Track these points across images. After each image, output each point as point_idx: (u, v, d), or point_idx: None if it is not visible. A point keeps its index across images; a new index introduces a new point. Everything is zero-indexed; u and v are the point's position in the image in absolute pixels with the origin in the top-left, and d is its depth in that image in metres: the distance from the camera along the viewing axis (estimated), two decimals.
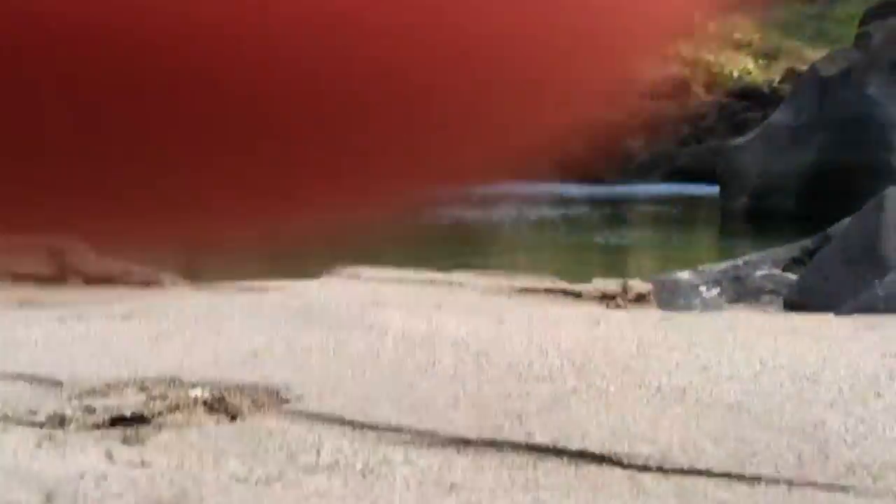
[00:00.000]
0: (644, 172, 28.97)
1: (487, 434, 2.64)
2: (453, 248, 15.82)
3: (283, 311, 4.29)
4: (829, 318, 4.88)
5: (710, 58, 37.97)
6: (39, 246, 5.34)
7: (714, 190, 21.47)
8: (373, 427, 2.70)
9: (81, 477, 2.23)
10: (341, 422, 2.74)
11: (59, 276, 5.37)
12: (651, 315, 4.85)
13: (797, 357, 3.51)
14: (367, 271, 5.47)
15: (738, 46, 41.32)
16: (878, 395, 3.02)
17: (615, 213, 21.64)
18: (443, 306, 4.58)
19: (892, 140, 17.01)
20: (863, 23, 24.03)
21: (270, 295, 4.68)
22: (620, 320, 4.40)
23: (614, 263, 14.38)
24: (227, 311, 4.29)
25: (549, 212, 21.24)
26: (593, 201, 23.45)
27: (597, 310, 5.12)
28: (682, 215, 21.90)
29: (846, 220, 6.58)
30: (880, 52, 17.89)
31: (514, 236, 17.80)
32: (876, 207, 5.88)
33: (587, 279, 11.31)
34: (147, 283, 5.49)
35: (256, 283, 5.11)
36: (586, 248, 15.98)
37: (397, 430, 2.68)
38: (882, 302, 5.01)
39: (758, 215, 17.73)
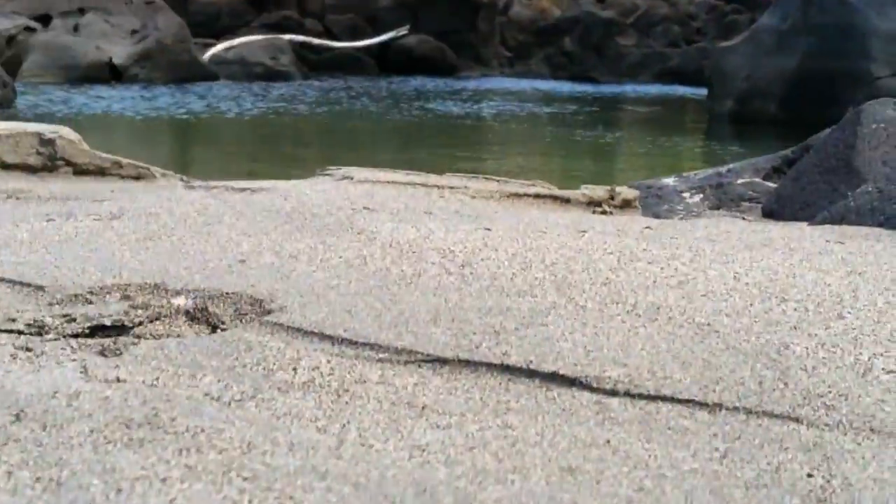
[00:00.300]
0: (634, 72, 28.84)
1: (464, 352, 2.53)
2: (444, 143, 15.69)
3: (273, 213, 4.15)
4: (803, 227, 4.85)
5: None
6: (30, 134, 5.19)
7: (702, 92, 21.46)
8: (352, 343, 2.59)
9: (54, 395, 2.11)
10: (321, 336, 2.62)
11: (49, 166, 5.23)
12: (635, 223, 4.74)
13: (769, 272, 3.42)
14: (360, 172, 5.33)
15: None
16: (840, 316, 2.93)
17: (605, 112, 21.49)
18: (433, 212, 4.46)
19: (871, 48, 17.01)
20: None
21: (262, 196, 4.53)
22: (605, 229, 4.29)
23: (600, 164, 14.27)
24: (217, 212, 4.15)
25: (539, 109, 21.06)
26: (584, 100, 23.30)
27: (584, 216, 5.01)
28: (671, 117, 21.83)
29: (825, 132, 6.49)
30: None
31: (503, 133, 17.65)
32: (852, 121, 5.81)
33: (573, 179, 11.24)
34: (138, 176, 5.35)
35: (249, 183, 4.97)
36: (574, 147, 15.86)
37: (376, 346, 2.56)
38: (854, 213, 5.00)
39: (742, 118, 17.74)
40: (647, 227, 4.46)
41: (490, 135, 17.50)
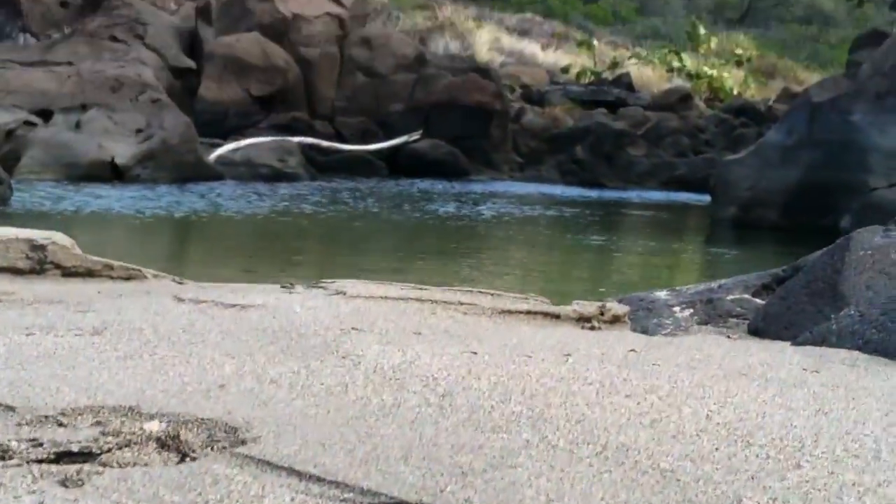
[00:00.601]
0: (642, 180, 28.98)
1: (428, 496, 2.46)
2: (443, 244, 15.63)
3: (261, 333, 4.07)
4: (785, 348, 4.89)
5: (713, 73, 38.02)
6: (21, 241, 5.13)
7: (705, 198, 21.68)
8: (320, 479, 2.52)
9: None
10: (290, 471, 2.55)
11: (38, 269, 5.14)
12: (622, 342, 4.70)
13: (741, 410, 3.36)
14: (354, 286, 5.26)
15: (739, 63, 41.50)
16: (798, 465, 2.85)
17: (609, 216, 21.53)
18: (422, 332, 4.38)
19: (869, 162, 17.67)
20: (853, 49, 24.46)
21: (251, 313, 4.45)
22: (590, 352, 4.24)
23: (600, 268, 14.19)
24: (203, 329, 4.09)
25: (542, 212, 21.06)
26: (590, 204, 23.36)
27: (573, 333, 4.96)
28: (674, 221, 21.90)
29: (815, 254, 6.55)
30: (866, 83, 18.48)
31: (503, 236, 17.62)
32: (842, 247, 5.90)
33: (572, 283, 11.14)
34: (129, 277, 5.28)
35: (241, 293, 4.90)
36: (578, 249, 15.83)
37: (342, 485, 2.50)
38: (835, 335, 5.03)
39: (744, 224, 18.07)
40: (631, 350, 4.41)
41: (490, 237, 17.46)
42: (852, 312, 5.20)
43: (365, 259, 13.09)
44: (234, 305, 4.56)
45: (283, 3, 28.23)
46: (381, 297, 5.07)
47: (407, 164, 26.68)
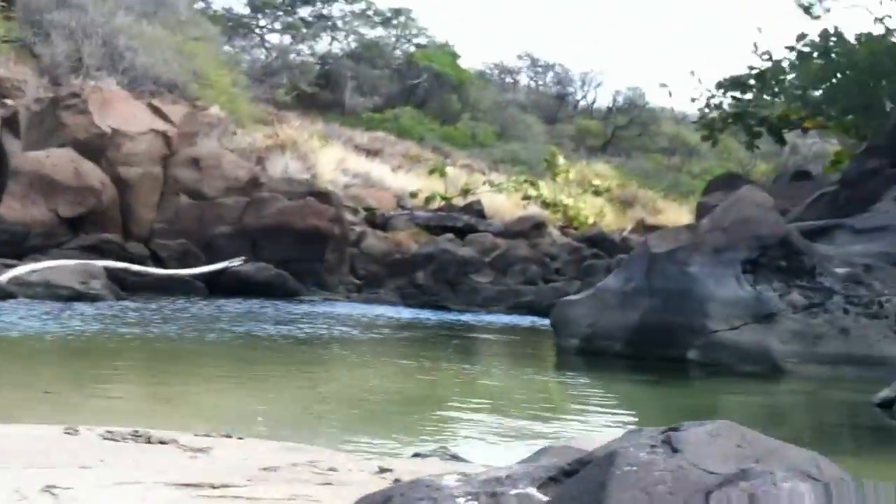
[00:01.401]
0: (488, 304, 28.80)
1: None
2: (244, 368, 14.70)
3: None
4: None
5: (570, 202, 38.09)
6: None
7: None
8: None
9: None
10: None
11: None
12: None
13: None
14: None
15: (597, 193, 41.84)
16: None
17: (455, 340, 20.95)
18: None
19: (708, 309, 18.05)
20: (707, 190, 25.00)
21: None
22: None
23: (422, 397, 13.29)
24: None
25: (379, 335, 20.37)
26: (434, 327, 22.87)
27: None
28: (521, 345, 21.73)
29: (594, 454, 6.07)
30: (705, 237, 18.93)
31: (318, 358, 16.88)
32: (608, 461, 5.40)
33: (392, 425, 10.29)
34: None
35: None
36: (411, 377, 15.00)
37: None
38: None
39: (589, 352, 18.45)
40: None
41: (295, 361, 16.32)
42: None
43: (143, 387, 12.22)
44: None
45: (101, 118, 26.72)
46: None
47: (229, 285, 25.54)
